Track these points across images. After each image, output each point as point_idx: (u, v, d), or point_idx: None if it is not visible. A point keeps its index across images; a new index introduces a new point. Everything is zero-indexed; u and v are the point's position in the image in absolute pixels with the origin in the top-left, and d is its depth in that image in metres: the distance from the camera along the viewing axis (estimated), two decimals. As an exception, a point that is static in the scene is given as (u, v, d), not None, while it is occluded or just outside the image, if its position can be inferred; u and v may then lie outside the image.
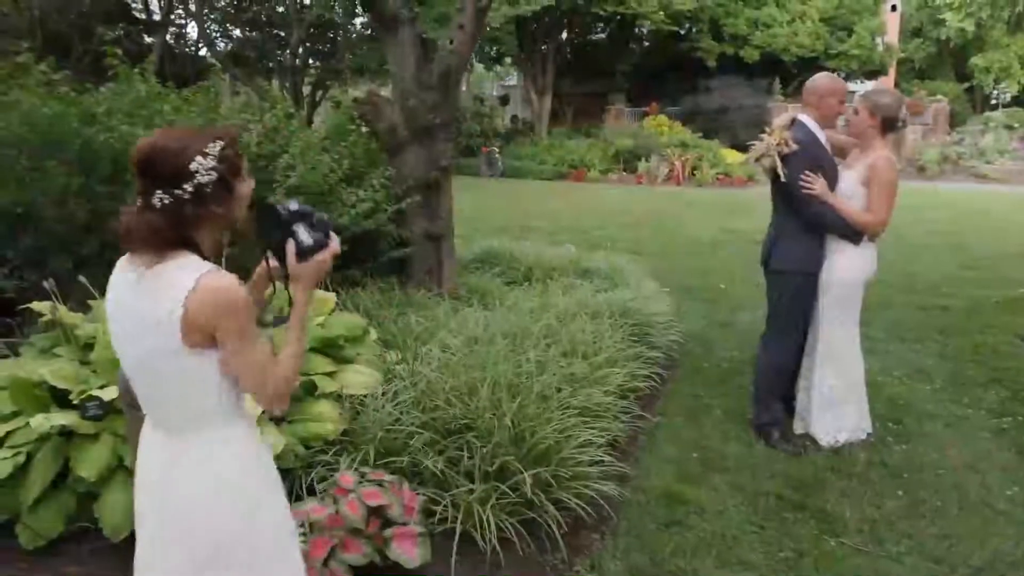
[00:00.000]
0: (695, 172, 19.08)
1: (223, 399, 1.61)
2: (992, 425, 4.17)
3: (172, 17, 24.31)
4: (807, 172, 3.63)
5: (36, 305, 3.31)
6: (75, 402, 2.82)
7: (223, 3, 24.45)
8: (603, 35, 27.93)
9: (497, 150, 21.25)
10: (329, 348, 3.47)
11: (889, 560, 2.91)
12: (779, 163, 3.64)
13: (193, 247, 1.55)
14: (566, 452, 3.07)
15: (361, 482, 2.71)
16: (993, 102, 30.19)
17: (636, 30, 25.46)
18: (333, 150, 5.16)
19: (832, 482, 3.51)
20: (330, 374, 3.32)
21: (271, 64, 23.78)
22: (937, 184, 18.83)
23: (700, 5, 23.00)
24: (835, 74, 4.00)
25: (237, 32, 26.13)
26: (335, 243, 1.67)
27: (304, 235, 1.61)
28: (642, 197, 16.12)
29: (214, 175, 1.51)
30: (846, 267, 3.76)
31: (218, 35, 25.41)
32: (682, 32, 24.89)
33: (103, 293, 1.84)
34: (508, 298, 5.40)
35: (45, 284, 3.34)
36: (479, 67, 29.05)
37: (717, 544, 2.99)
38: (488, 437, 2.99)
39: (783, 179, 3.64)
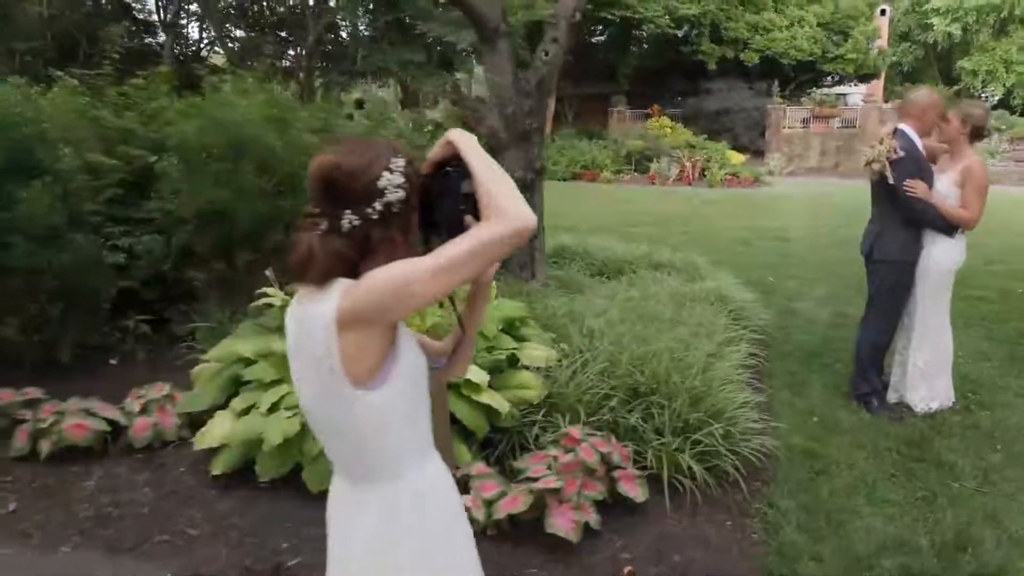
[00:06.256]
0: (705, 173, 19.73)
1: (401, 443, 1.45)
2: (1056, 395, 4.80)
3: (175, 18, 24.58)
4: (911, 176, 4.22)
5: (265, 289, 3.81)
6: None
7: (223, 3, 24.71)
8: (603, 37, 28.54)
9: (511, 151, 21.73)
10: (510, 328, 4.00)
11: (1006, 498, 3.51)
12: (887, 167, 4.23)
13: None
14: (729, 412, 3.64)
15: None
16: (979, 105, 31.17)
17: (637, 33, 26.08)
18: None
19: (937, 440, 4.10)
20: (517, 349, 3.85)
21: (279, 65, 24.08)
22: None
23: (703, 10, 23.68)
24: (932, 87, 4.59)
25: (241, 33, 26.43)
26: None
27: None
28: (660, 197, 16.73)
29: (401, 193, 1.33)
30: (942, 257, 4.36)
31: (224, 36, 25.65)
32: (682, 35, 25.58)
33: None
34: (601, 289, 5.93)
35: (267, 272, 3.83)
36: (478, 70, 29.50)
37: (861, 488, 3.57)
38: (671, 399, 3.54)
39: (891, 181, 4.23)
